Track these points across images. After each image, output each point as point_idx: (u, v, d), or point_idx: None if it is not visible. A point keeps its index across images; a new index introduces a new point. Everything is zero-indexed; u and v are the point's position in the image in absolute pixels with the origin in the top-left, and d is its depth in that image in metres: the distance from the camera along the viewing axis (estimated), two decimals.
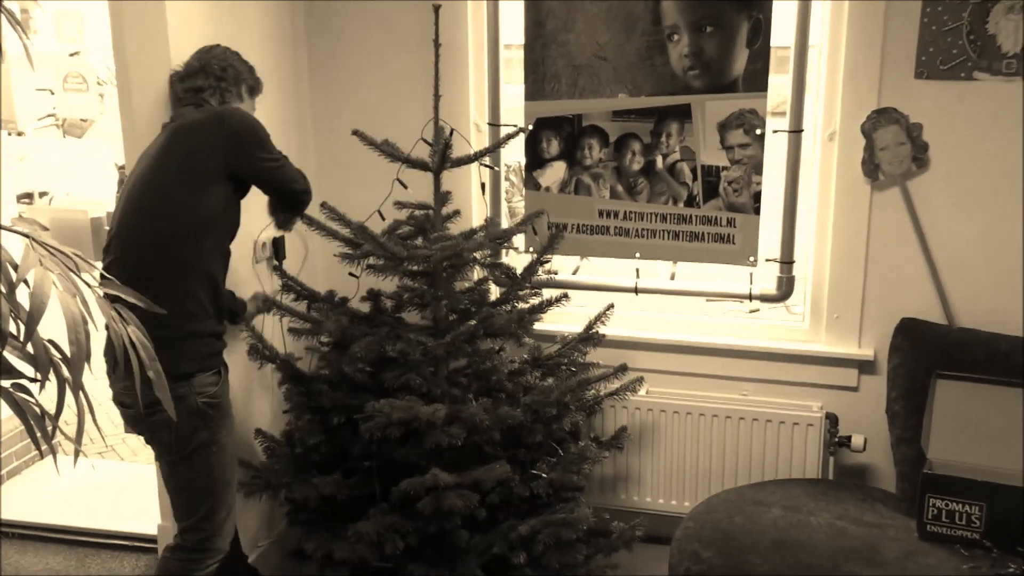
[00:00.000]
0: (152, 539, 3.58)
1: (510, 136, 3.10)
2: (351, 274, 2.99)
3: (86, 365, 1.60)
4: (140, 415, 2.49)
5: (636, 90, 3.24)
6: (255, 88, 2.82)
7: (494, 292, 3.17)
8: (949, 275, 3.12)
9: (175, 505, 2.66)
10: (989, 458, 2.82)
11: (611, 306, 3.16)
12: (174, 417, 1.74)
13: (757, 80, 3.12)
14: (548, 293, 3.10)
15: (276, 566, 3.31)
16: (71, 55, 4.03)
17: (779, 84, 3.16)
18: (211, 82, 2.67)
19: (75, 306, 1.51)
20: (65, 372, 1.56)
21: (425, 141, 2.97)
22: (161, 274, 2.46)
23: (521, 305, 3.04)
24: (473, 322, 2.87)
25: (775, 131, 3.16)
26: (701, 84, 3.18)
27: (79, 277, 1.59)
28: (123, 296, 1.67)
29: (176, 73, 2.72)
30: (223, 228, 2.61)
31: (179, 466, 2.59)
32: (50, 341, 1.61)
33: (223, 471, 2.64)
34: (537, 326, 3.06)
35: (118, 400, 2.58)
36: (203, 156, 2.52)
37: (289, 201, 2.78)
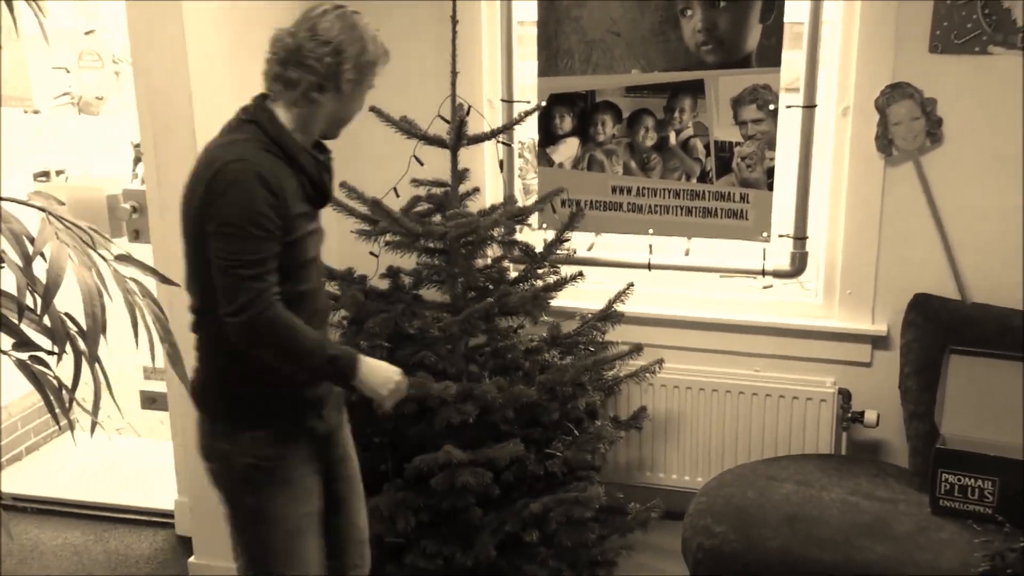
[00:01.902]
0: (169, 514, 3.62)
1: (528, 113, 3.10)
2: (371, 253, 3.00)
3: (102, 337, 1.62)
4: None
5: (649, 66, 3.23)
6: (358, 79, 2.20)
7: (512, 270, 3.17)
8: (962, 251, 3.11)
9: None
10: (1002, 433, 2.82)
11: (631, 285, 3.15)
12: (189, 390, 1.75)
13: (770, 55, 3.11)
14: (564, 270, 3.10)
15: None
16: (86, 33, 4.04)
17: (793, 61, 3.14)
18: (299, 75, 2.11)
19: (91, 279, 1.53)
20: (81, 345, 1.59)
21: (442, 118, 2.97)
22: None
23: (538, 283, 3.05)
24: (490, 299, 2.88)
25: (788, 106, 3.15)
26: (714, 59, 3.17)
27: (95, 251, 1.61)
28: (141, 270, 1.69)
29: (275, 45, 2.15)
30: None
31: (232, 523, 2.29)
32: (66, 314, 1.63)
33: (282, 545, 2.25)
34: (553, 303, 3.06)
35: None
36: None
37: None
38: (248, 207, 1.97)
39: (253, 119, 2.11)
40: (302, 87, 2.08)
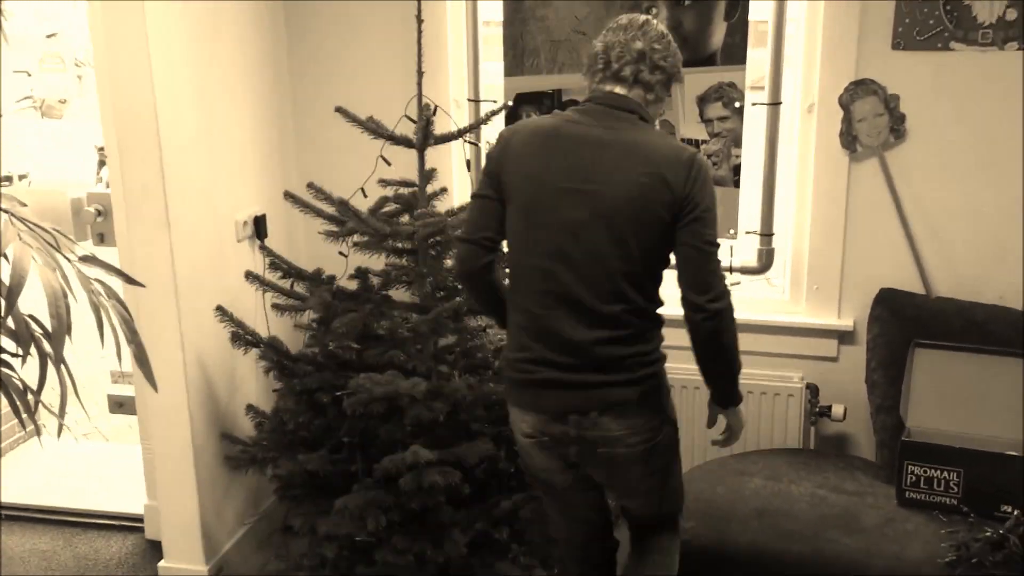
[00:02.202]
0: (139, 518, 3.60)
1: (495, 112, 3.09)
2: (340, 253, 2.98)
3: (68, 340, 1.61)
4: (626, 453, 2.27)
5: None
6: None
7: None
8: (926, 245, 3.14)
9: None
10: (966, 425, 2.86)
11: None
12: (156, 389, 1.74)
13: (735, 53, 3.13)
14: None
15: (264, 541, 3.32)
16: (48, 36, 4.00)
17: (758, 59, 3.17)
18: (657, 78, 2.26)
19: (55, 280, 1.52)
20: (47, 347, 1.57)
21: (409, 118, 2.97)
22: None
23: (506, 282, 3.04)
24: (459, 299, 2.88)
25: (754, 104, 3.17)
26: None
27: (59, 252, 1.60)
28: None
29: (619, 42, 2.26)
30: None
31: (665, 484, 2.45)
32: (30, 316, 1.62)
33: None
34: None
35: (579, 440, 2.26)
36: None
37: None
38: (714, 194, 2.20)
39: (641, 115, 2.23)
40: (656, 89, 2.24)
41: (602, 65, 2.24)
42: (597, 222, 2.14)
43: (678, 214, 2.14)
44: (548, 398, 2.25)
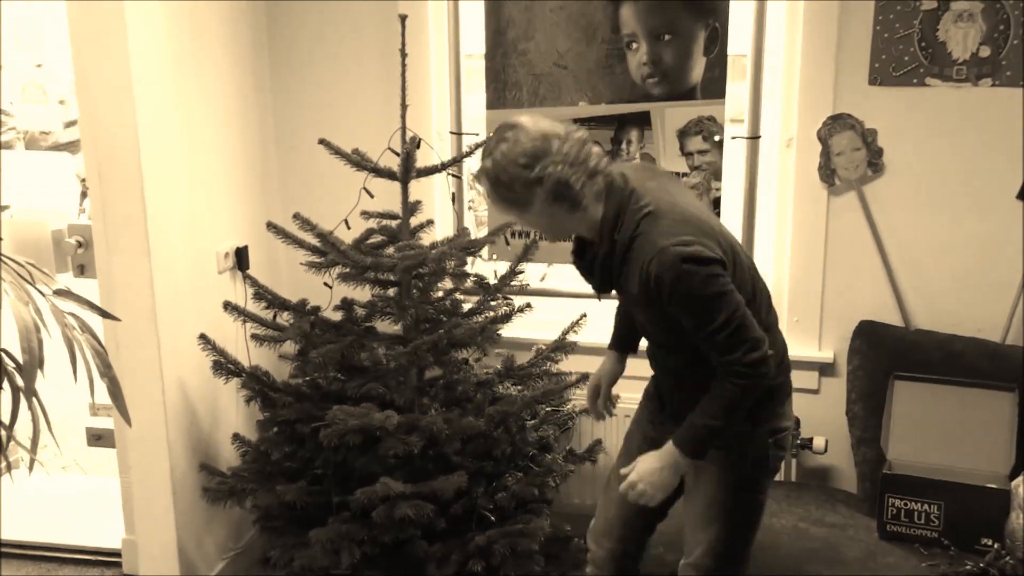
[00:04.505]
0: (116, 553, 3.56)
1: (478, 145, 3.09)
2: (325, 284, 2.98)
3: (41, 373, 1.60)
4: None
5: (596, 98, 3.27)
6: None
7: (467, 302, 3.17)
8: (905, 278, 3.16)
9: None
10: (946, 457, 2.87)
11: (584, 316, 3.16)
12: (129, 424, 1.72)
13: (715, 87, 3.15)
14: (517, 302, 3.10)
15: (244, 573, 3.30)
16: (37, 66, 4.01)
17: (737, 93, 3.19)
18: None
19: (27, 314, 1.52)
20: (19, 380, 1.56)
21: (392, 151, 2.98)
22: None
23: (490, 315, 3.04)
24: (441, 331, 2.87)
25: (733, 137, 3.19)
26: (660, 92, 3.20)
27: (32, 286, 1.59)
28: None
29: None
30: None
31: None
32: (3, 350, 1.61)
33: None
34: (509, 334, 3.06)
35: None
36: None
37: None
38: None
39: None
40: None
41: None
42: None
43: None
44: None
